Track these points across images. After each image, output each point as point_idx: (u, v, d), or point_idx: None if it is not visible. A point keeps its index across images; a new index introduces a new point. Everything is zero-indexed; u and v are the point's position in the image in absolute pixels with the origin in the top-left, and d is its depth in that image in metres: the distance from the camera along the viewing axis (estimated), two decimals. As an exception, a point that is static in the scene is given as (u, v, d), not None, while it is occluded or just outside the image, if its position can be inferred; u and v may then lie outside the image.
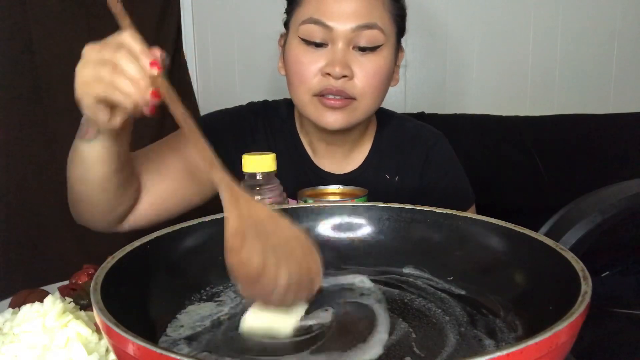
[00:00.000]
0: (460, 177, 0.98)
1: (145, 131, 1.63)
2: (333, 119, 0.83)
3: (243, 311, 0.46)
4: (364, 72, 0.82)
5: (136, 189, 0.79)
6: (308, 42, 0.83)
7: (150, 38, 2.08)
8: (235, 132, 0.93)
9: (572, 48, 1.65)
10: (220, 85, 1.92)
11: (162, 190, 0.83)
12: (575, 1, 1.62)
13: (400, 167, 0.95)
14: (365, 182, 0.90)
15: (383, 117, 0.99)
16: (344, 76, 0.81)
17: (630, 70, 1.64)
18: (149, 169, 0.82)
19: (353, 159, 0.96)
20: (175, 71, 1.87)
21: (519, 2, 1.65)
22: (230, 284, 0.53)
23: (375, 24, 0.81)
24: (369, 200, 0.69)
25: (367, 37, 0.81)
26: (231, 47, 1.87)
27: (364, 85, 0.82)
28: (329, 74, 0.81)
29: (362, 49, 0.82)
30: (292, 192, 0.73)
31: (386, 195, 0.88)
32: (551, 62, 1.66)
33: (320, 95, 0.83)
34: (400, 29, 0.88)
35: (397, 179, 0.94)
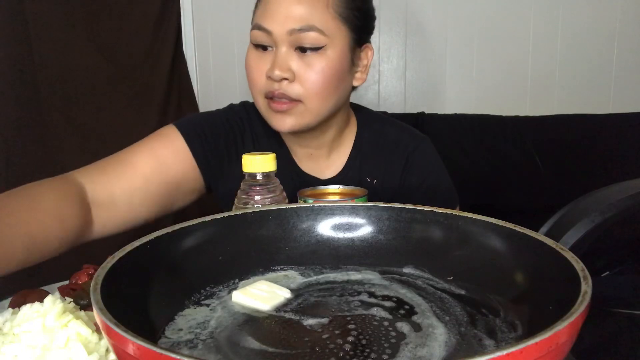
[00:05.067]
0: (441, 179, 0.98)
1: (146, 131, 1.63)
2: (282, 122, 0.85)
3: (239, 317, 0.46)
4: (306, 74, 0.82)
5: (78, 230, 0.76)
6: (257, 47, 0.85)
7: (150, 38, 2.11)
8: (227, 136, 0.93)
9: (572, 48, 1.65)
10: (220, 85, 1.92)
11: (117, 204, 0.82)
12: (575, 1, 1.62)
13: (380, 170, 0.95)
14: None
15: (364, 120, 0.99)
16: (285, 79, 0.82)
17: (630, 70, 1.64)
18: (95, 187, 0.80)
19: (334, 162, 0.96)
20: (176, 71, 1.87)
21: (519, 2, 1.65)
22: (231, 284, 0.53)
23: (312, 26, 0.81)
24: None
25: (305, 40, 0.81)
26: (231, 47, 1.87)
27: (308, 87, 0.82)
28: (270, 77, 0.82)
29: (303, 51, 0.82)
30: None
31: (368, 198, 0.90)
32: (551, 62, 1.67)
33: (269, 98, 0.84)
34: (357, 27, 0.86)
35: (374, 182, 0.94)
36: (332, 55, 0.83)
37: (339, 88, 0.86)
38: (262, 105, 0.87)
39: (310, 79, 0.82)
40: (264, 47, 0.84)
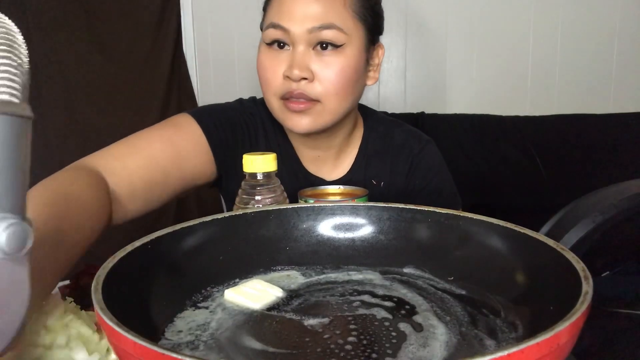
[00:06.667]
0: (445, 183, 0.98)
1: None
2: (298, 123, 0.83)
3: (239, 318, 0.47)
4: (326, 73, 0.81)
5: (104, 218, 0.70)
6: (271, 46, 0.84)
7: (150, 38, 2.11)
8: (242, 132, 0.93)
9: (572, 48, 1.65)
10: (220, 85, 1.93)
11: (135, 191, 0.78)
12: (575, 1, 1.62)
13: (386, 174, 0.95)
14: None
15: (370, 122, 0.99)
16: (304, 79, 0.81)
17: (630, 70, 1.64)
18: (115, 171, 0.76)
19: (340, 164, 0.96)
20: (175, 71, 1.87)
21: (519, 2, 1.65)
22: (231, 284, 0.53)
23: (332, 24, 0.80)
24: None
25: (325, 38, 0.80)
26: (231, 47, 1.87)
27: (327, 86, 0.82)
28: (289, 77, 0.81)
29: (323, 50, 0.81)
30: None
31: (374, 201, 0.89)
32: (551, 62, 1.67)
33: (285, 98, 0.83)
34: (371, 27, 0.86)
35: (382, 184, 0.94)
36: (351, 53, 0.83)
37: (356, 87, 0.86)
38: (276, 106, 0.85)
39: (329, 78, 0.81)
40: (279, 46, 0.83)
